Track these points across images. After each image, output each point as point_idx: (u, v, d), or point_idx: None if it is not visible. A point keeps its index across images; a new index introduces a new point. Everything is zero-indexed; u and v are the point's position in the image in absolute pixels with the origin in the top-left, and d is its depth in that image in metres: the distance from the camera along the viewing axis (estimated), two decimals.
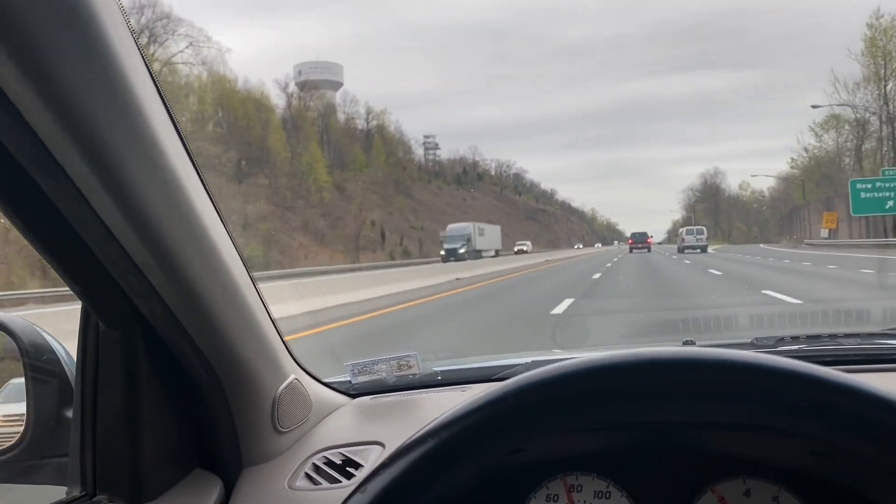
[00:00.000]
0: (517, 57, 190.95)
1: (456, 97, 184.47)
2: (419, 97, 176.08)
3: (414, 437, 0.61)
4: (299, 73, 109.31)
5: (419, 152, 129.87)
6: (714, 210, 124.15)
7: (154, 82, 0.77)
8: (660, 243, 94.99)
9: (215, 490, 1.02)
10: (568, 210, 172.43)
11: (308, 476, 1.06)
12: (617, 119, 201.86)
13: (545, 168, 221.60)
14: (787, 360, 0.60)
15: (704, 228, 46.97)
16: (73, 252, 0.87)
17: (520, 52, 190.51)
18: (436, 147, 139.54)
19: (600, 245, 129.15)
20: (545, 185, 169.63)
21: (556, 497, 1.09)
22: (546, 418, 0.62)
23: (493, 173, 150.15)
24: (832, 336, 1.49)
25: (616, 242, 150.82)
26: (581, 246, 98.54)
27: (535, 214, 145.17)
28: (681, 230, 50.16)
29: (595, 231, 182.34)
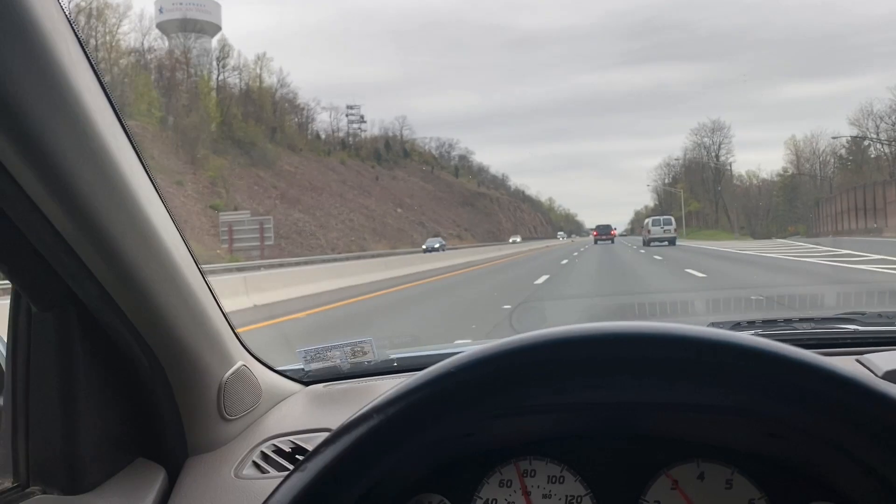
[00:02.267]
0: (470, 47, 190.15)
1: (407, 87, 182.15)
2: (366, 85, 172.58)
3: (358, 413, 0.59)
4: (160, 10, 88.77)
5: (322, 119, 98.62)
6: (712, 183, 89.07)
7: (83, 50, 0.76)
8: (622, 235, 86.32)
9: (158, 479, 1.03)
10: (518, 197, 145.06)
11: (256, 464, 1.09)
12: (573, 111, 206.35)
13: (501, 160, 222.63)
14: (746, 336, 0.58)
15: (672, 219, 44.49)
16: None
17: (473, 42, 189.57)
18: (360, 120, 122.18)
19: (517, 240, 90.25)
20: (496, 171, 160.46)
21: (509, 482, 1.10)
22: (495, 394, 0.59)
23: (435, 153, 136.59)
24: (787, 321, 1.56)
25: (562, 235, 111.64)
26: (440, 245, 56.00)
27: (473, 200, 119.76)
28: (647, 221, 46.25)
29: (552, 221, 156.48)
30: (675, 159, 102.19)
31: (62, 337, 0.91)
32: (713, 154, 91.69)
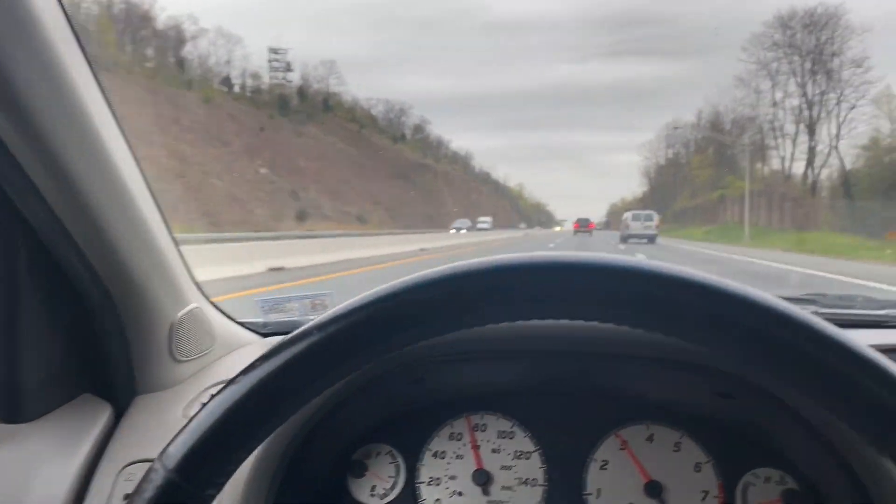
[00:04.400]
0: (444, 29, 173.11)
1: (378, 65, 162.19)
2: (341, 62, 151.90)
3: (300, 330, 0.59)
4: None
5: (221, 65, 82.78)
6: (821, 127, 54.40)
7: None
8: (598, 229, 65.04)
9: (104, 415, 1.04)
10: (479, 178, 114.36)
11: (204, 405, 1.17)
12: (549, 102, 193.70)
13: (471, 145, 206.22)
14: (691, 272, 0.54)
15: (654, 214, 39.69)
16: None
17: (447, 24, 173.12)
18: (286, 69, 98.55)
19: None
20: (458, 147, 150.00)
21: (459, 436, 1.12)
22: (436, 318, 0.57)
23: (381, 120, 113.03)
24: None
25: (460, 226, 69.70)
26: None
27: (410, 171, 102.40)
28: (626, 215, 41.45)
29: (520, 210, 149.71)
30: (681, 125, 71.39)
31: (6, 260, 0.90)
32: (807, 63, 46.70)
